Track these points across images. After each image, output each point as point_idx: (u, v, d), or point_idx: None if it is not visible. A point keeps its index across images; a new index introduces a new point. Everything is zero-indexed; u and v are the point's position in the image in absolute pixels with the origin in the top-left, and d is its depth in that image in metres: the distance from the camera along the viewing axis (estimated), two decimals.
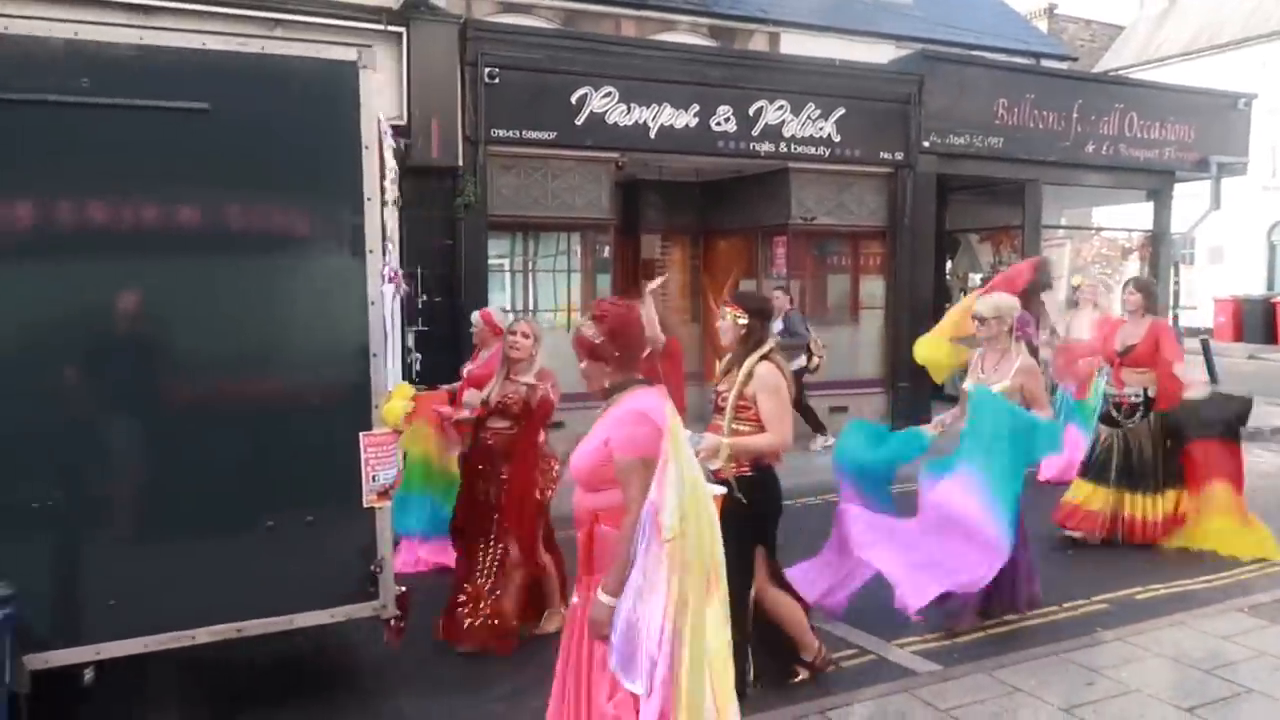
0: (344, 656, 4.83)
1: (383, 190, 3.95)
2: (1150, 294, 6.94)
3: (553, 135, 9.29)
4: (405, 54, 8.57)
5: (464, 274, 8.98)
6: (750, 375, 4.11)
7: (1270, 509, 7.90)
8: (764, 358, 4.15)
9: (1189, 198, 13.74)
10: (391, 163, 4.23)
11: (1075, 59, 18.53)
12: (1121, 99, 12.57)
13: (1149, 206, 13.43)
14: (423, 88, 8.63)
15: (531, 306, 10.39)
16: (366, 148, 3.85)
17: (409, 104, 8.58)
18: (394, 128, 8.49)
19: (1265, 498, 8.26)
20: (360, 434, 3.78)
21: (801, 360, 9.89)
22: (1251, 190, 20.67)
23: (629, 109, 9.56)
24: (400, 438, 3.96)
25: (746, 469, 4.11)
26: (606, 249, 10.23)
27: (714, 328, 12.52)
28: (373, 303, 3.86)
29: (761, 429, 4.09)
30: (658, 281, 6.50)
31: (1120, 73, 24.23)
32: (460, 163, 8.88)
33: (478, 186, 8.99)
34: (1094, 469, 6.85)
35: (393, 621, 4.08)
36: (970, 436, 4.89)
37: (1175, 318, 13.44)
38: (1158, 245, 13.34)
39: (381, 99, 8.43)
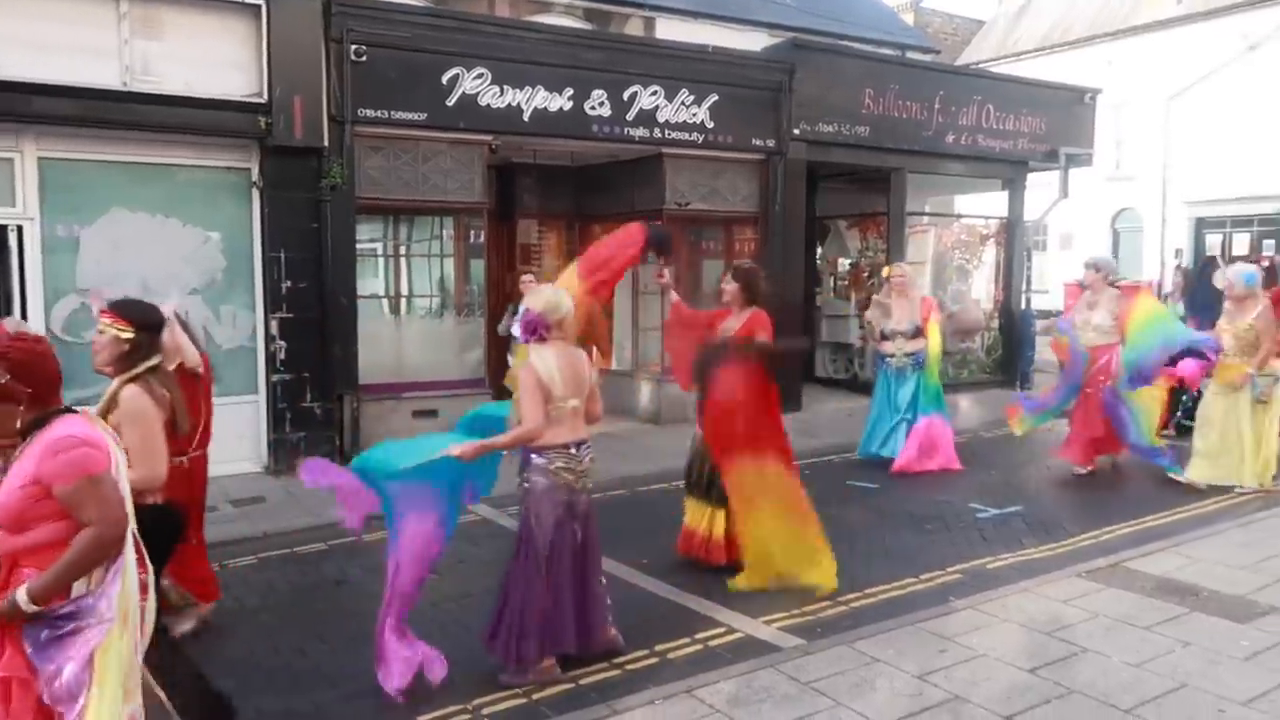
0: None
1: None
2: (749, 283, 5.96)
3: (423, 116, 9.08)
4: (265, 28, 8.20)
5: (330, 258, 8.69)
6: (114, 401, 3.54)
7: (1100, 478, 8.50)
8: (134, 379, 3.57)
9: (1042, 187, 14.51)
10: None
11: (938, 51, 19.24)
12: (979, 91, 13.15)
13: (1005, 195, 14.12)
14: (284, 64, 8.28)
15: (405, 291, 10.17)
16: None
17: (269, 81, 8.22)
18: (254, 105, 8.22)
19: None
20: None
21: None
22: (1097, 181, 21.98)
23: (502, 91, 9.42)
24: None
25: None
26: (481, 234, 10.07)
27: (588, 316, 12.50)
28: None
29: None
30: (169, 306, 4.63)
31: (980, 66, 25.30)
32: (325, 143, 8.57)
33: (344, 168, 8.71)
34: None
35: None
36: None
37: (1028, 300, 14.20)
38: (1012, 232, 14.04)
39: (240, 74, 8.17)
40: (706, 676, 4.28)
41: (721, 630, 4.99)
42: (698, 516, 5.97)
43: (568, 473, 4.32)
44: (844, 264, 14.43)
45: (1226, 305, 7.83)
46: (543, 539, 4.30)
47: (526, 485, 4.33)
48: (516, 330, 9.31)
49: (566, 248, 12.49)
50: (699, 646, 4.79)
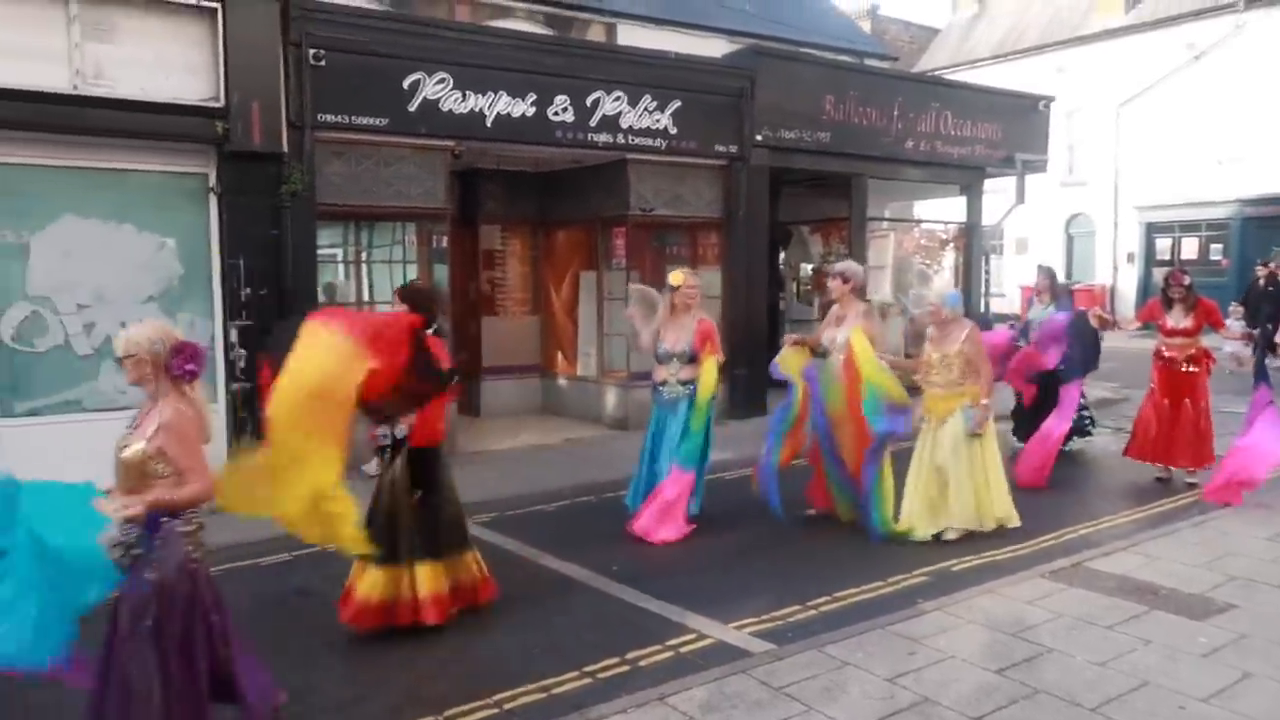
0: None
1: None
2: (417, 304, 5.05)
3: (384, 121, 8.99)
4: (221, 31, 8.07)
5: (291, 265, 8.57)
6: None
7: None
8: None
9: (998, 192, 14.73)
10: None
11: (896, 59, 19.53)
12: (937, 98, 13.31)
13: (963, 200, 14.31)
14: (241, 69, 8.16)
15: (366, 298, 10.06)
16: None
17: (226, 85, 8.09)
18: (210, 110, 8.09)
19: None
20: None
21: None
22: (1051, 186, 22.39)
23: (464, 96, 9.36)
24: None
25: None
26: (444, 239, 10.00)
27: (554, 319, 12.48)
28: None
29: None
30: None
31: (936, 73, 25.67)
32: (285, 148, 8.45)
33: (305, 174, 8.60)
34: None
35: None
36: None
37: (987, 305, 14.40)
38: (970, 236, 14.23)
39: (195, 79, 8.04)
40: (679, 683, 4.26)
41: (692, 636, 4.99)
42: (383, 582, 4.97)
43: (200, 532, 3.59)
44: (806, 269, 14.55)
45: (929, 331, 6.86)
46: (189, 617, 3.51)
47: (157, 559, 3.43)
48: None
49: (531, 253, 12.46)
50: (670, 653, 4.79)
